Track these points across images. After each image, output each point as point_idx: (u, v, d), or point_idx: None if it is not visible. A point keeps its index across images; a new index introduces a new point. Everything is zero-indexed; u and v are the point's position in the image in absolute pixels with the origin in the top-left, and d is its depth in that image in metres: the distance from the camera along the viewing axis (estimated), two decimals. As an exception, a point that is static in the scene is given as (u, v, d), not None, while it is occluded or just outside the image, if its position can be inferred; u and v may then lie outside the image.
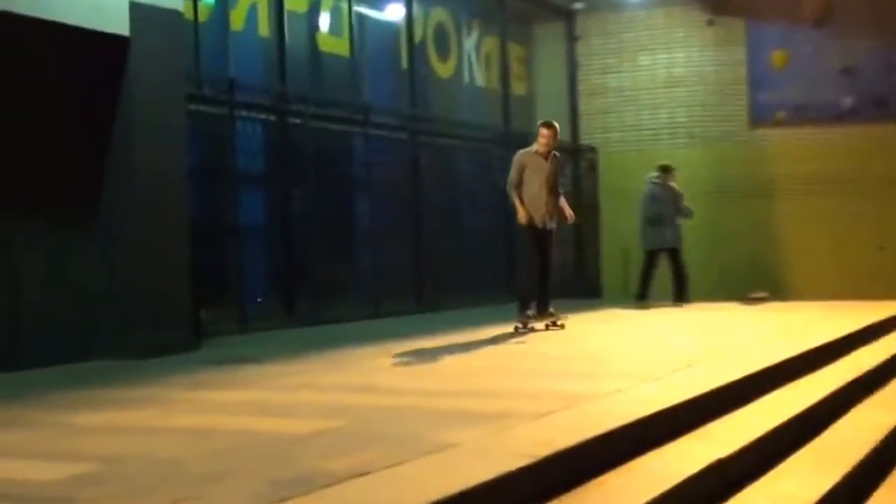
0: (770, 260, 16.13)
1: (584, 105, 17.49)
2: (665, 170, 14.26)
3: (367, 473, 4.08)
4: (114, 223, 8.76)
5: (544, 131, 10.01)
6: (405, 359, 8.43)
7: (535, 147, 10.05)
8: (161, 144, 9.04)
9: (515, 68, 17.07)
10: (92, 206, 8.75)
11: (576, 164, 17.35)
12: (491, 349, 9.17)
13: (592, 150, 17.44)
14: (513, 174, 10.05)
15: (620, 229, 17.12)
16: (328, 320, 11.63)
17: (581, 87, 17.49)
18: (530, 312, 10.15)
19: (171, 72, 9.20)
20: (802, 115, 16.59)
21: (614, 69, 17.29)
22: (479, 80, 16.38)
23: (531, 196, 9.96)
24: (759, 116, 16.87)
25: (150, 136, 8.93)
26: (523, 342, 9.53)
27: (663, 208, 14.02)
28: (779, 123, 16.69)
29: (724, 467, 4.97)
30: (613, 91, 17.31)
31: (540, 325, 10.24)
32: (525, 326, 10.02)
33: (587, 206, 17.26)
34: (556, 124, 10.21)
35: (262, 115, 11.69)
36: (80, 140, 8.76)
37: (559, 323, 10.34)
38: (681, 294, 14.13)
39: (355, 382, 7.19)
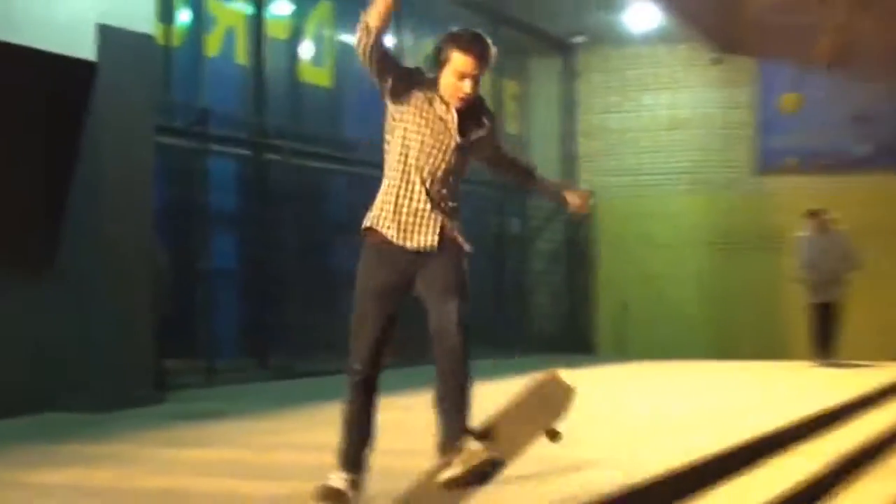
0: (778, 317, 16.13)
1: (582, 146, 17.49)
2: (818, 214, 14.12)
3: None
4: (74, 267, 8.63)
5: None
6: (388, 415, 8.26)
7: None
8: (127, 180, 8.94)
9: (509, 106, 17.05)
10: (51, 248, 8.64)
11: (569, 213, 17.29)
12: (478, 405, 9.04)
13: (590, 195, 17.37)
14: None
15: (618, 281, 17.13)
16: (304, 373, 11.58)
17: (579, 127, 17.50)
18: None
19: (141, 100, 9.10)
20: (814, 162, 16.67)
21: (615, 108, 17.36)
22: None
23: None
24: (767, 163, 16.95)
25: (116, 171, 8.84)
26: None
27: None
28: (788, 171, 16.73)
29: None
30: (614, 132, 17.39)
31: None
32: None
33: (582, 257, 17.26)
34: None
35: (238, 150, 11.60)
36: (39, 176, 8.63)
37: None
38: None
39: (323, 440, 7.09)
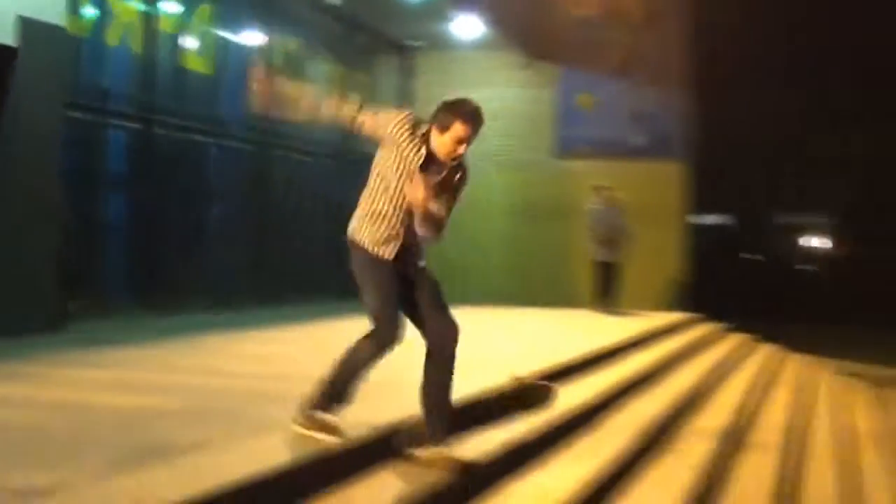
0: (569, 272, 16.73)
1: (419, 131, 17.70)
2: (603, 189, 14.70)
3: (210, 445, 4.35)
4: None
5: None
6: (249, 346, 8.60)
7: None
8: (40, 146, 9.05)
9: (356, 95, 17.23)
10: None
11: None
12: (327, 338, 9.36)
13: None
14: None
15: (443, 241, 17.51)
16: (183, 310, 11.66)
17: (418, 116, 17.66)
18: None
19: (54, 81, 9.19)
20: (601, 149, 17.30)
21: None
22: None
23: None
24: (564, 148, 17.53)
25: (31, 139, 8.92)
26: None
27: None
28: (581, 155, 17.35)
29: (514, 450, 5.32)
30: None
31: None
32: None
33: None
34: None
35: (131, 124, 11.64)
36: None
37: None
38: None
39: (204, 365, 7.34)
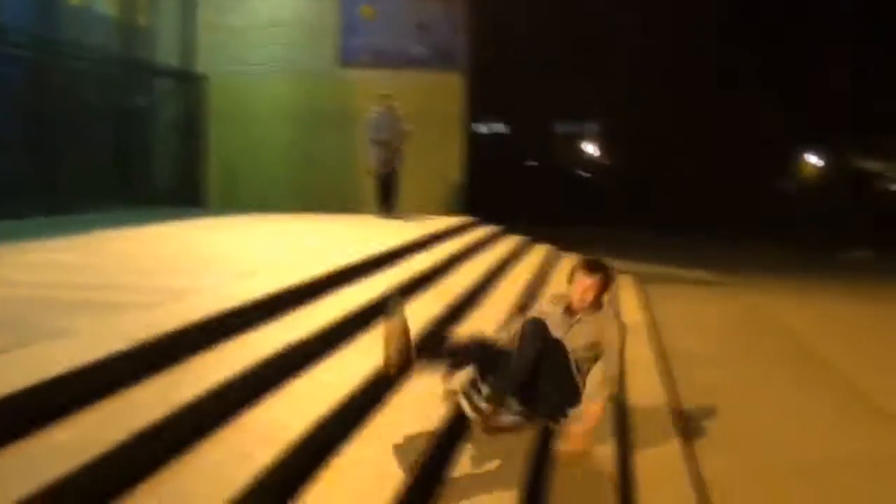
0: (352, 179, 16.83)
1: (202, 39, 17.32)
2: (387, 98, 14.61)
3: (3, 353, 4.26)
4: None
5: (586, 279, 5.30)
6: (32, 255, 8.34)
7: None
8: None
9: (140, 1, 16.66)
10: None
11: (188, 90, 17.24)
12: (114, 248, 9.22)
13: (205, 78, 17.35)
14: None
15: (227, 147, 17.32)
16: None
17: (201, 23, 17.26)
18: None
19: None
20: (383, 59, 17.38)
21: (230, 9, 17.19)
22: (108, 9, 15.92)
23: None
24: (346, 58, 17.49)
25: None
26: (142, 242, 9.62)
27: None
28: (363, 65, 17.37)
29: (298, 348, 5.45)
30: (229, 28, 17.23)
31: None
32: None
33: (195, 126, 17.28)
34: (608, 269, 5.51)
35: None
36: None
37: None
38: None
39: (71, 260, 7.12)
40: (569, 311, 5.28)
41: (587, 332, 5.20)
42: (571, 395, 5.18)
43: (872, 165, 50.00)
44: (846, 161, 46.94)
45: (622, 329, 5.28)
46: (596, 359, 5.21)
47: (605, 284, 5.29)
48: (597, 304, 5.30)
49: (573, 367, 5.15)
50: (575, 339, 5.19)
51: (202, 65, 17.32)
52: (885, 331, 12.05)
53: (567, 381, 5.14)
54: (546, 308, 5.42)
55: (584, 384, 5.19)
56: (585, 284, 5.23)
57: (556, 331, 5.17)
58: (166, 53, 16.99)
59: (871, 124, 38.01)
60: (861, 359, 9.91)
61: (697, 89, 33.32)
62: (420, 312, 7.27)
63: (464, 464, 4.77)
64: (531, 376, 5.01)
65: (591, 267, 5.31)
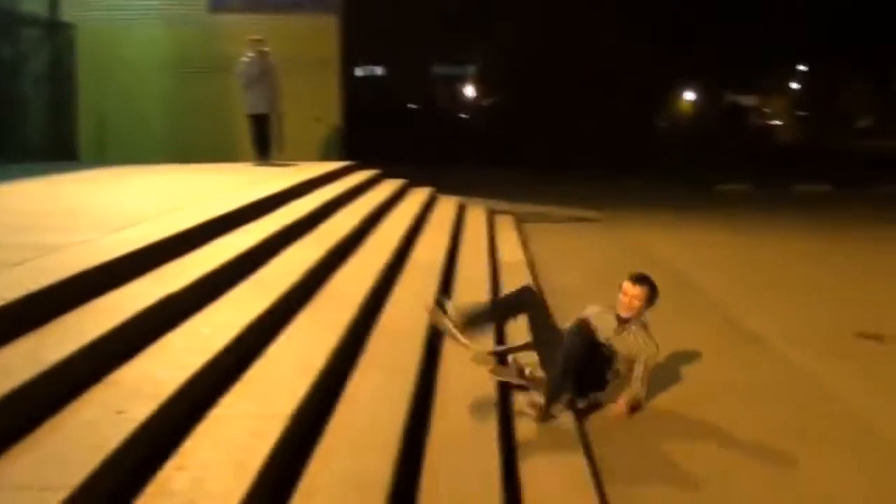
0: (228, 127, 16.50)
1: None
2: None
3: None
4: None
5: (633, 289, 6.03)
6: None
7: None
8: None
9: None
10: None
11: (55, 40, 16.64)
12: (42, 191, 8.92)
13: (72, 26, 16.76)
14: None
15: (98, 98, 16.83)
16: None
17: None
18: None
19: None
20: (255, 3, 17.02)
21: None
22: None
23: None
24: (217, 3, 17.10)
25: None
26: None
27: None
28: (235, 10, 17.01)
29: (173, 301, 5.36)
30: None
31: None
32: None
33: (65, 78, 16.72)
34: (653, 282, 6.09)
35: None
36: None
37: None
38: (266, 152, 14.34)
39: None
40: (619, 319, 6.00)
41: (630, 343, 5.95)
42: (597, 384, 5.93)
43: (746, 100, 51.35)
44: (720, 96, 48.09)
45: (657, 350, 6.03)
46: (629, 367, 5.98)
47: (651, 297, 5.97)
48: (640, 316, 6.03)
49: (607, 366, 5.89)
50: (621, 344, 5.94)
51: (69, 13, 16.71)
52: (757, 259, 12.48)
53: (597, 375, 5.87)
54: (594, 312, 6.13)
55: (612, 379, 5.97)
56: (632, 294, 5.95)
57: (604, 335, 5.88)
58: (31, 1, 16.33)
59: (745, 59, 39.00)
60: (733, 286, 10.28)
61: (576, 31, 33.51)
62: (300, 258, 7.28)
63: (342, 411, 4.79)
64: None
65: (637, 279, 6.01)
